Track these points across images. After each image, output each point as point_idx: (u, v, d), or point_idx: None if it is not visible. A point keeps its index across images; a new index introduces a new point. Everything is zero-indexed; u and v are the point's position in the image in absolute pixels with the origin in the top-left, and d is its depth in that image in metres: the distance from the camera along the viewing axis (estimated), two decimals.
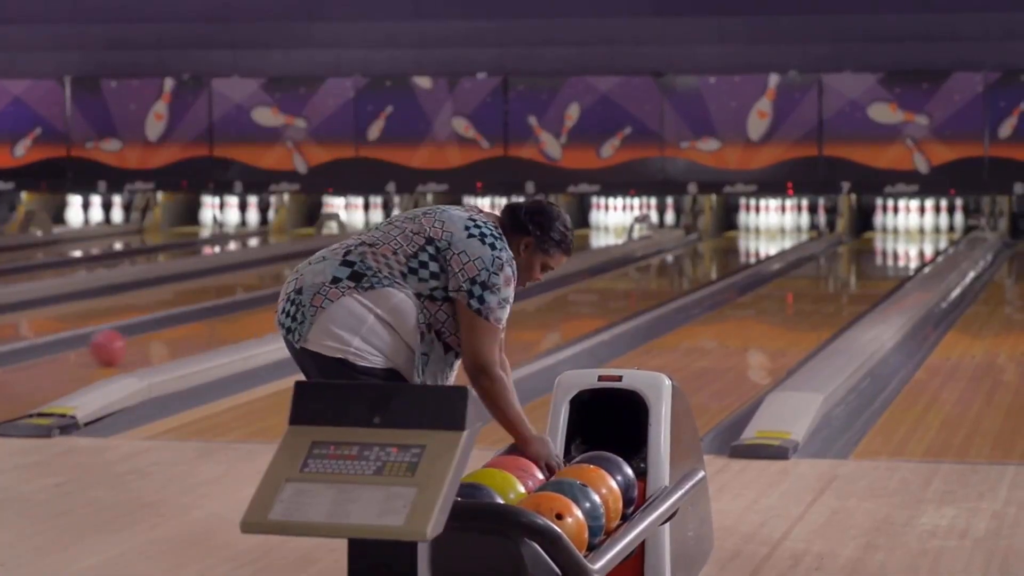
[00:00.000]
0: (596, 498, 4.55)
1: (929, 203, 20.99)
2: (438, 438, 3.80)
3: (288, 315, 4.80)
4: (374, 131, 21.56)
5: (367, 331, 4.71)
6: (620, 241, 20.25)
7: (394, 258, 4.73)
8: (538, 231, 4.84)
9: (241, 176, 22.14)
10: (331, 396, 3.97)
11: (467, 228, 4.74)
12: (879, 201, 21.08)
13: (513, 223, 4.85)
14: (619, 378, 5.26)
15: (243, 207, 22.84)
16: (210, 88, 22.05)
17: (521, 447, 4.85)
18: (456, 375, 4.89)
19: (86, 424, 8.37)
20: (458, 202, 21.86)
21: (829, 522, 6.34)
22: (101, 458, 7.63)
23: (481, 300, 4.69)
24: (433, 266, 4.73)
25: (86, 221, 23.10)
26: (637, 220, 21.07)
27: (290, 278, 4.87)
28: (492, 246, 4.73)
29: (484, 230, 4.75)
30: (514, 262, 4.78)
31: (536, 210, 4.87)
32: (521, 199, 21.58)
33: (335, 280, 4.72)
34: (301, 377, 4.91)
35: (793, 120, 20.59)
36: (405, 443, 3.80)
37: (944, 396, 9.39)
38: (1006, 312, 14.19)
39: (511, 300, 4.76)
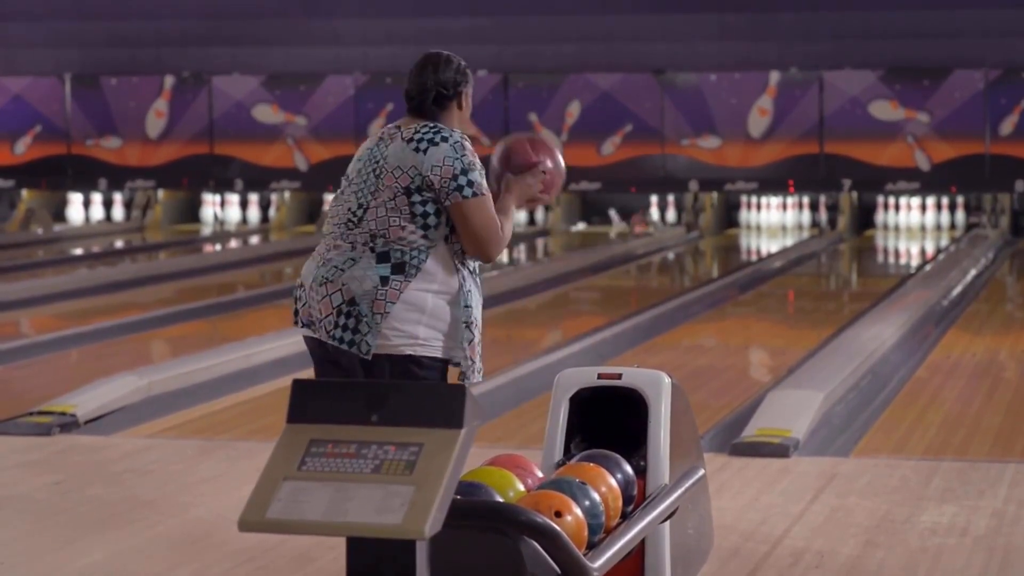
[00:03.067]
0: (596, 496, 4.54)
1: (930, 200, 20.98)
2: (436, 436, 3.79)
3: (345, 328, 4.79)
4: (375, 128, 21.55)
5: (429, 316, 4.82)
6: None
7: (407, 230, 4.81)
8: (462, 81, 4.96)
9: (242, 174, 22.14)
10: (329, 394, 3.96)
11: (414, 149, 4.83)
12: (880, 198, 21.07)
13: (439, 99, 4.93)
14: (619, 376, 5.26)
15: (244, 205, 22.83)
16: (210, 85, 22.04)
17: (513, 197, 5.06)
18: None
19: (86, 422, 8.37)
20: None
21: (829, 520, 6.33)
22: (101, 456, 7.62)
23: (470, 184, 4.84)
24: (429, 206, 4.83)
25: (87, 219, 23.10)
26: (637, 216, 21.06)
27: (320, 287, 4.84)
28: (442, 140, 4.84)
29: (423, 136, 4.85)
30: (462, 134, 4.91)
31: (437, 70, 4.93)
32: None
33: (384, 280, 4.79)
34: (301, 375, 4.90)
35: (794, 117, 20.58)
36: (403, 441, 3.79)
37: (945, 394, 9.39)
38: (1007, 310, 14.19)
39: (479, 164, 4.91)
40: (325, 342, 4.83)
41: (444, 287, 4.86)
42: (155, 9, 22.52)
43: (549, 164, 5.11)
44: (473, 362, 4.96)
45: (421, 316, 4.80)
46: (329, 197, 22.39)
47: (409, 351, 4.79)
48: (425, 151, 4.82)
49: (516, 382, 9.68)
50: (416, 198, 4.81)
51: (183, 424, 8.55)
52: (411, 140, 4.85)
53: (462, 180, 4.82)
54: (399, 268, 4.79)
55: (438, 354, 4.85)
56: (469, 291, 4.91)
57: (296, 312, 4.96)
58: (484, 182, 4.89)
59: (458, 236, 4.88)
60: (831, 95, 20.47)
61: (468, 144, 4.91)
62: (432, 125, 4.88)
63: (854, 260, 18.97)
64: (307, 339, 4.94)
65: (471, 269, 4.97)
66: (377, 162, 4.88)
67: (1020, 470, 7.23)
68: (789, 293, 15.41)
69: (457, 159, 4.83)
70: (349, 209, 4.88)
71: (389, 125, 5.00)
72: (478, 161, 4.91)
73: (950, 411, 8.85)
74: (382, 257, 4.80)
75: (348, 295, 4.79)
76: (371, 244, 4.82)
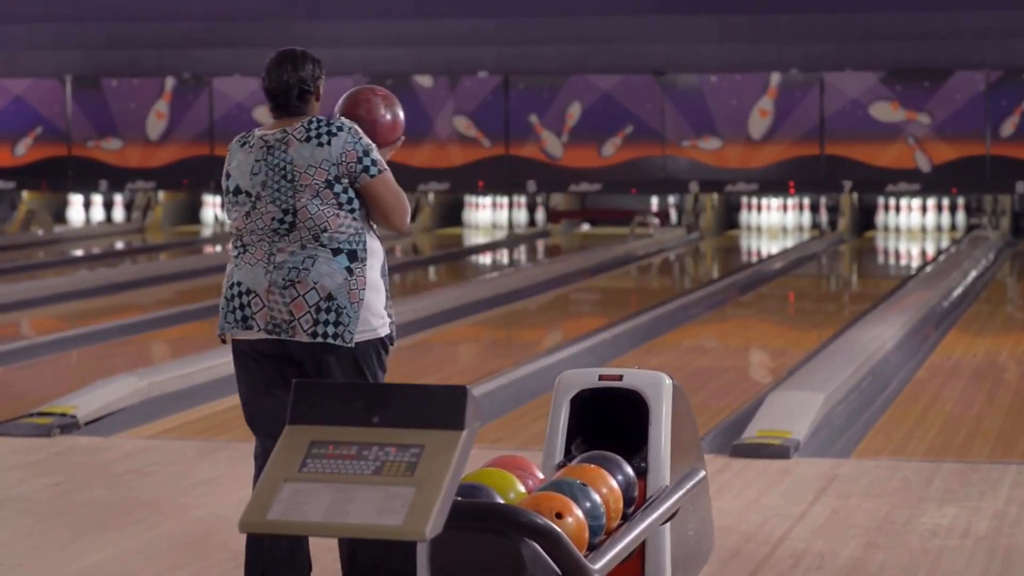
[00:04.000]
0: (596, 497, 4.53)
1: (931, 202, 20.98)
2: (437, 437, 3.78)
3: (327, 323, 4.94)
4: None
5: (384, 296, 5.08)
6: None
7: (342, 218, 4.99)
8: (320, 75, 5.16)
9: None
10: (330, 395, 3.96)
11: (317, 145, 4.98)
12: (880, 200, 21.06)
13: (301, 94, 5.09)
14: (620, 377, 5.25)
15: None
16: (211, 87, 22.04)
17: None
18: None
19: (86, 423, 8.37)
20: (460, 202, 21.88)
21: (830, 521, 6.33)
22: (101, 457, 7.62)
23: (374, 163, 5.01)
24: (350, 192, 5.01)
25: (87, 220, 23.09)
26: (638, 219, 21.06)
27: (282, 291, 4.98)
28: (337, 129, 5.00)
29: (318, 131, 5.00)
30: (345, 119, 5.06)
31: (296, 67, 5.11)
32: (523, 199, 21.76)
33: (349, 270, 4.97)
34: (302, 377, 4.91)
35: (794, 119, 20.57)
36: (404, 443, 3.79)
37: (945, 395, 9.38)
38: (1008, 311, 14.18)
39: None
40: (287, 340, 4.96)
41: (380, 260, 5.10)
42: (156, 11, 22.52)
43: (399, 116, 5.25)
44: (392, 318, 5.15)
45: (379, 297, 5.05)
46: None
47: (384, 332, 5.04)
48: (328, 143, 4.98)
49: (516, 383, 9.68)
50: (337, 188, 4.98)
51: (183, 425, 8.55)
52: (309, 139, 5.00)
53: (366, 161, 4.99)
54: (353, 256, 4.99)
55: (382, 332, 5.07)
56: (371, 250, 5.08)
57: (241, 320, 5.04)
58: (382, 158, 5.04)
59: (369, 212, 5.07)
60: (832, 96, 20.46)
61: (357, 127, 5.05)
62: (318, 119, 5.03)
63: (854, 261, 18.96)
64: (260, 342, 5.02)
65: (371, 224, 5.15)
66: (283, 168, 5.01)
67: (1021, 471, 7.22)
68: (790, 294, 15.41)
69: (357, 142, 4.99)
70: (274, 218, 5.01)
71: (262, 132, 5.10)
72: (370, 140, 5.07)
73: (951, 412, 8.84)
74: (336, 251, 4.97)
75: (324, 292, 4.94)
76: (320, 240, 4.97)
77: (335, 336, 4.92)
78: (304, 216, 4.96)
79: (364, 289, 4.96)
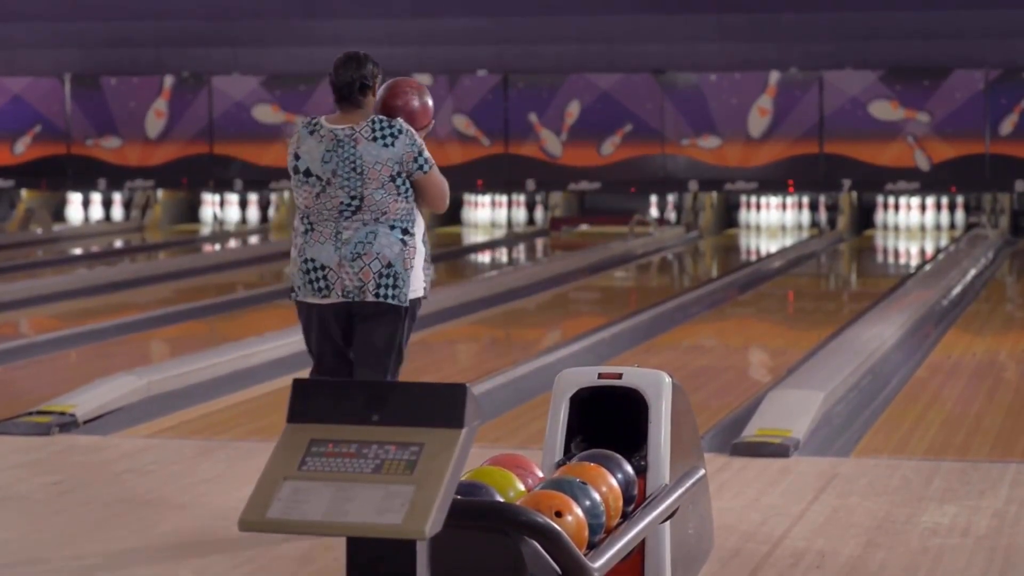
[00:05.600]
0: (596, 496, 4.53)
1: (930, 200, 20.97)
2: (437, 436, 3.78)
3: (386, 287, 6.03)
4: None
5: (424, 259, 6.20)
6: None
7: (399, 203, 6.05)
8: (377, 73, 6.25)
9: (241, 174, 22.13)
10: (329, 394, 3.96)
11: (383, 145, 6.03)
12: (880, 198, 21.06)
13: (362, 88, 6.14)
14: (619, 376, 5.25)
15: (243, 205, 22.82)
16: (210, 85, 22.03)
17: None
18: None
19: (85, 422, 8.35)
20: (459, 201, 21.85)
21: (830, 520, 6.32)
22: (100, 456, 7.61)
23: (427, 161, 6.10)
24: (407, 183, 6.09)
25: (86, 219, 23.08)
26: (637, 219, 21.06)
27: (352, 263, 6.01)
28: (399, 132, 6.05)
29: (383, 130, 6.04)
30: (402, 120, 6.09)
31: (360, 66, 6.16)
32: (522, 197, 21.76)
33: (404, 243, 6.06)
34: (300, 374, 4.91)
35: (794, 117, 20.57)
36: (404, 441, 3.78)
37: (945, 394, 9.38)
38: (1007, 310, 14.18)
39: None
40: (350, 301, 6.04)
41: (422, 229, 6.20)
42: (155, 9, 22.50)
43: (429, 104, 6.31)
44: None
45: (420, 260, 6.16)
46: None
47: (420, 294, 6.18)
48: (392, 144, 6.03)
49: (516, 382, 9.68)
50: (398, 181, 6.05)
51: (182, 424, 8.54)
52: (375, 139, 6.04)
53: (420, 160, 6.08)
54: (406, 231, 6.08)
55: (421, 293, 6.23)
56: (421, 226, 6.22)
57: (320, 289, 6.08)
58: (429, 155, 6.12)
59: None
60: (831, 95, 20.46)
61: (412, 129, 6.11)
62: (380, 120, 6.06)
63: (854, 260, 18.96)
64: (332, 305, 6.07)
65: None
66: (353, 162, 6.03)
67: (1021, 470, 7.22)
68: (789, 293, 15.40)
69: (413, 144, 6.07)
70: (342, 202, 6.04)
71: (331, 126, 6.09)
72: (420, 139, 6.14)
73: (951, 411, 8.84)
74: (392, 227, 6.04)
75: (384, 261, 6.03)
76: (380, 220, 6.03)
77: (393, 297, 6.04)
78: (370, 202, 6.01)
79: (414, 258, 6.07)
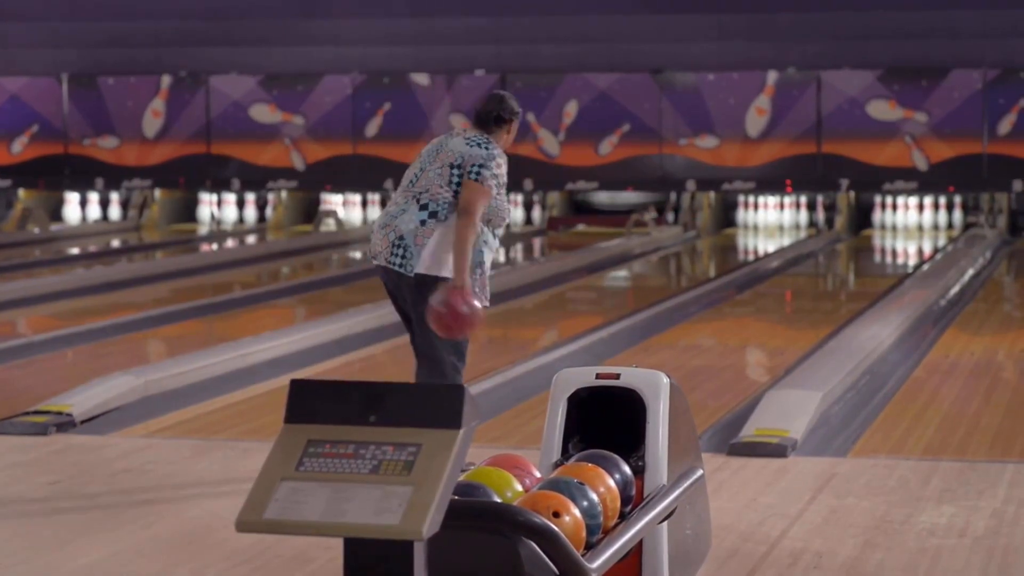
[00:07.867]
0: (594, 496, 4.52)
1: (928, 200, 20.98)
2: (434, 436, 3.77)
3: (398, 256, 6.71)
4: (372, 128, 21.54)
5: (482, 285, 6.73)
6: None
7: (443, 190, 6.72)
8: (517, 114, 6.91)
9: (239, 173, 22.13)
10: (327, 394, 3.95)
11: (467, 143, 6.78)
12: (878, 198, 21.07)
13: (498, 119, 6.86)
14: (617, 376, 5.24)
15: (241, 204, 22.82)
16: (208, 85, 22.02)
17: (454, 278, 6.65)
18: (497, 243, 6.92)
19: (83, 422, 8.35)
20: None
21: (828, 520, 6.32)
22: (97, 456, 7.61)
23: (479, 173, 6.71)
24: (459, 179, 6.71)
25: (83, 218, 23.08)
26: (636, 217, 21.06)
27: (382, 230, 6.77)
28: (486, 147, 6.77)
29: (478, 140, 6.79)
30: (502, 152, 6.79)
31: (502, 103, 6.87)
32: (519, 197, 21.75)
33: (423, 222, 6.70)
34: (298, 374, 4.91)
35: (792, 117, 20.58)
36: (401, 441, 3.78)
37: (943, 394, 9.38)
38: (1005, 309, 14.18)
39: (502, 179, 6.77)
40: (385, 266, 6.74)
41: (482, 247, 6.71)
42: (152, 9, 22.50)
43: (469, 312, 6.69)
44: (483, 290, 6.75)
45: (449, 248, 6.64)
46: (326, 196, 22.45)
47: (443, 274, 6.65)
48: (472, 147, 6.76)
49: (513, 382, 9.67)
50: (454, 171, 6.73)
51: (180, 424, 8.53)
52: (468, 140, 6.81)
53: (477, 168, 6.71)
54: (433, 215, 6.71)
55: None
56: (485, 241, 6.76)
57: (373, 254, 6.84)
58: (491, 181, 6.72)
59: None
60: (829, 95, 20.46)
61: (501, 159, 6.79)
62: (487, 137, 6.81)
63: (852, 260, 18.96)
64: (378, 267, 6.83)
65: (486, 224, 6.80)
66: (442, 146, 6.82)
67: (1019, 470, 7.22)
68: (787, 293, 15.40)
69: (485, 158, 6.73)
70: (414, 174, 6.83)
71: (461, 127, 6.96)
72: (499, 172, 6.77)
73: (948, 411, 8.84)
74: (423, 207, 6.73)
75: (398, 233, 6.72)
76: (418, 198, 6.74)
77: (401, 267, 6.70)
78: (424, 179, 6.75)
79: (429, 239, 6.66)
